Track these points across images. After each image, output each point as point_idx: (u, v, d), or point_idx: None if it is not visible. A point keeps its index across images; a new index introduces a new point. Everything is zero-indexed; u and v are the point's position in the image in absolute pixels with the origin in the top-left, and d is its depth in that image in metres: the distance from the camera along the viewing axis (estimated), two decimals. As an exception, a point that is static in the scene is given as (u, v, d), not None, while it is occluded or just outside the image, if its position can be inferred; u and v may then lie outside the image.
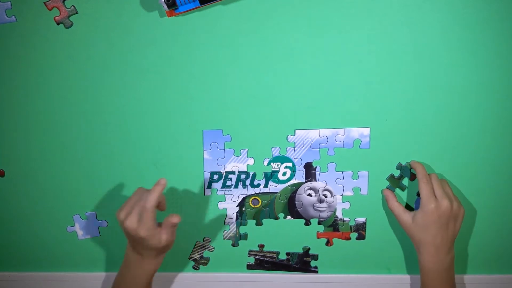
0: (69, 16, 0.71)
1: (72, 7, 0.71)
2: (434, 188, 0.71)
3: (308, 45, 0.71)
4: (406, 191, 0.77)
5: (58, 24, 0.71)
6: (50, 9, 0.71)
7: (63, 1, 0.70)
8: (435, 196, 0.70)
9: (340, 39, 0.71)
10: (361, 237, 0.79)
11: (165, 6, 0.67)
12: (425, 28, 0.70)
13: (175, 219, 0.67)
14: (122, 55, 0.72)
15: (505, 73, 0.71)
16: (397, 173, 0.76)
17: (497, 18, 0.69)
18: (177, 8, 0.68)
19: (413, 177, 0.76)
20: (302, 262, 0.81)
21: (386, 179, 0.77)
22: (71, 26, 0.71)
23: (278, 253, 0.81)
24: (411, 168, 0.75)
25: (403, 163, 0.76)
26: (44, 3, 0.70)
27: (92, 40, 0.72)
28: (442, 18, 0.69)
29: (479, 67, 0.71)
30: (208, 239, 0.81)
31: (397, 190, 0.77)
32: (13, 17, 0.71)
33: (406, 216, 0.72)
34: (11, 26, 0.71)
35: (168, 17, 0.70)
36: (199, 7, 0.69)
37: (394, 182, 0.77)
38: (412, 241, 0.73)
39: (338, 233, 0.79)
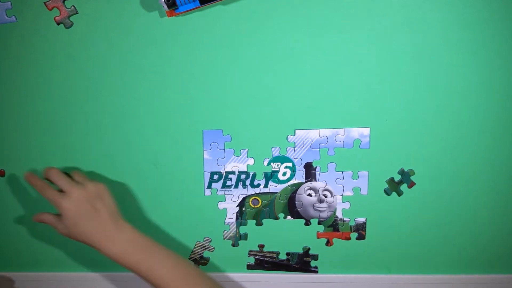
0: (69, 16, 0.71)
1: (72, 7, 0.71)
2: (59, 183, 0.68)
3: (308, 45, 0.71)
4: (402, 197, 0.77)
5: (58, 24, 0.71)
6: (50, 9, 0.71)
7: (63, 1, 0.70)
8: (65, 190, 0.67)
9: (340, 39, 0.71)
10: (361, 237, 0.79)
11: (165, 6, 0.67)
12: (425, 28, 0.70)
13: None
14: (122, 55, 0.72)
15: (505, 73, 0.71)
16: (397, 177, 0.76)
17: (497, 18, 0.69)
18: (177, 8, 0.68)
19: (412, 184, 0.76)
20: (302, 262, 0.81)
21: (385, 181, 0.77)
22: (71, 26, 0.71)
23: (278, 253, 0.81)
24: (411, 176, 0.76)
25: (406, 169, 0.76)
26: (44, 3, 0.70)
27: (92, 40, 0.72)
28: (442, 18, 0.69)
29: (479, 67, 0.71)
30: (208, 239, 0.81)
31: (394, 194, 0.77)
32: (13, 17, 0.71)
33: (61, 225, 0.69)
34: (11, 26, 0.71)
35: (168, 17, 0.70)
36: (199, 7, 0.69)
37: (393, 186, 0.77)
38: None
39: (338, 233, 0.79)
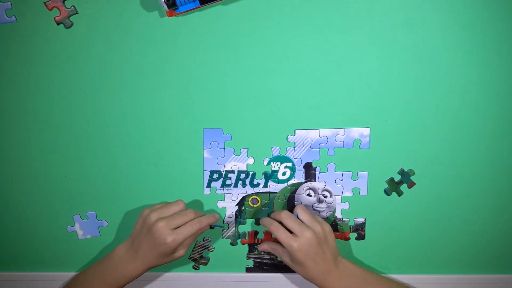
0: (69, 16, 0.71)
1: (72, 7, 0.71)
2: (290, 225, 0.70)
3: (308, 45, 0.71)
4: (402, 197, 0.77)
5: (58, 24, 0.71)
6: (50, 9, 0.71)
7: (63, 1, 0.70)
8: (295, 232, 0.69)
9: (340, 39, 0.71)
10: (360, 237, 0.79)
11: (165, 6, 0.67)
12: (425, 28, 0.70)
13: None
14: (122, 55, 0.72)
15: (505, 73, 0.71)
16: (397, 178, 0.76)
17: (497, 18, 0.69)
18: (177, 8, 0.68)
19: (412, 184, 0.76)
20: (302, 262, 0.81)
21: (385, 181, 0.77)
22: (71, 26, 0.71)
23: (277, 254, 0.81)
24: (411, 176, 0.76)
25: (406, 169, 0.76)
26: (44, 3, 0.70)
27: (92, 40, 0.72)
28: (442, 18, 0.69)
29: (479, 67, 0.71)
30: (208, 239, 0.81)
31: (394, 195, 0.77)
32: (13, 17, 0.71)
33: (285, 258, 0.72)
34: (11, 26, 0.71)
35: (168, 17, 0.70)
36: (199, 7, 0.69)
37: (393, 186, 0.77)
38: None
39: (337, 233, 0.79)
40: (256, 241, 0.80)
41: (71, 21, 0.71)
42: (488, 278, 0.80)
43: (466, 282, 0.80)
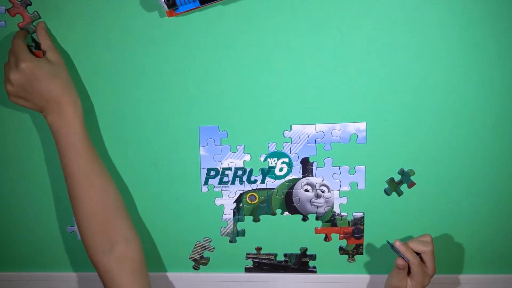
0: (32, 22, 0.70)
1: (35, 12, 0.70)
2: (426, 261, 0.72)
3: (304, 41, 0.71)
4: (402, 197, 0.77)
5: (21, 29, 0.71)
6: (13, 16, 0.70)
7: (26, 7, 0.70)
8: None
9: (336, 35, 0.70)
10: (359, 231, 0.79)
11: (165, 6, 0.67)
12: (425, 28, 0.70)
13: None
14: (122, 55, 0.72)
15: (505, 73, 0.71)
16: (397, 177, 0.76)
17: (497, 18, 0.69)
18: (177, 8, 0.68)
19: (412, 184, 0.76)
20: (300, 263, 0.81)
21: (385, 181, 0.77)
22: (34, 32, 0.71)
23: (276, 255, 0.81)
24: (411, 176, 0.75)
25: (406, 169, 0.76)
26: (7, 9, 0.70)
27: (91, 40, 0.72)
28: (442, 18, 0.69)
29: (479, 67, 0.71)
30: (208, 239, 0.81)
31: (394, 195, 0.77)
32: (4, 22, 0.71)
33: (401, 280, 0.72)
34: (3, 28, 0.71)
35: (168, 17, 0.70)
36: (199, 7, 0.69)
37: (393, 186, 0.77)
38: None
39: (336, 228, 0.79)
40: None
41: (34, 27, 0.70)
42: (488, 278, 0.80)
43: (466, 282, 0.80)
